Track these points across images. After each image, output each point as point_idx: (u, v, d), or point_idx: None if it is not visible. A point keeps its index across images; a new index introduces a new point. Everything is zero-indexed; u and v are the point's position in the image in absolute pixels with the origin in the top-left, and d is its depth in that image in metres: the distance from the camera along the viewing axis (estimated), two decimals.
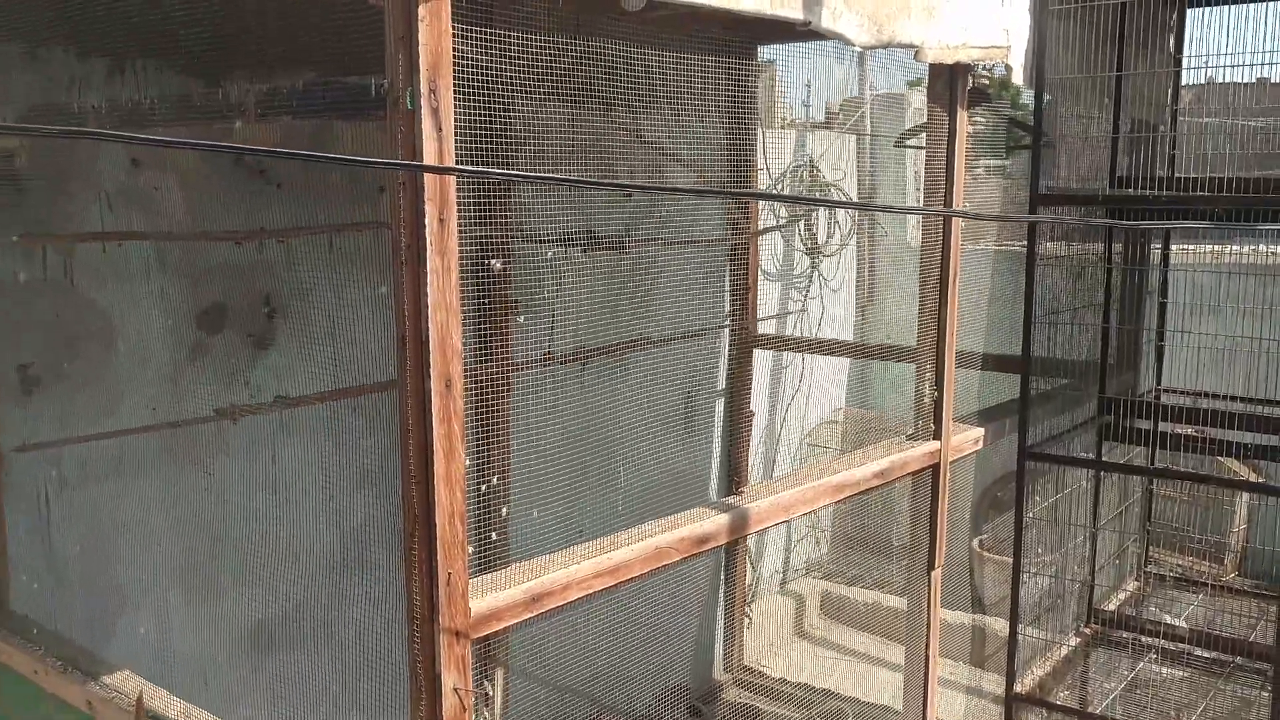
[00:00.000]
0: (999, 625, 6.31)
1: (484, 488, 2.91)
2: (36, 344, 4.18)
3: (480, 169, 2.50)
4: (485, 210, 4.65)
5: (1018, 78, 4.46)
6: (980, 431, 4.73)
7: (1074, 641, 5.35)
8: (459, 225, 2.56)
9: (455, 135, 2.53)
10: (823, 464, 4.19)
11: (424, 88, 2.47)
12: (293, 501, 4.61)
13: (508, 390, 5.34)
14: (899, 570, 7.93)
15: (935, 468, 4.41)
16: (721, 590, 7.01)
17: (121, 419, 4.35)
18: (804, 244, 7.92)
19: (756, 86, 6.54)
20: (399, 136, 2.49)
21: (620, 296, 5.61)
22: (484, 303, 4.98)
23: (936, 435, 4.39)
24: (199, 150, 3.20)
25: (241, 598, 4.45)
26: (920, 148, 9.04)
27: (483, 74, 2.63)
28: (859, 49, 3.63)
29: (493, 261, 2.99)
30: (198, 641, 4.36)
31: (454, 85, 2.52)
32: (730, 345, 6.75)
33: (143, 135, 1.87)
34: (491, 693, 5.82)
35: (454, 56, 2.50)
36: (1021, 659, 5.03)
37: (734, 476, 6.71)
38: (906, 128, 8.11)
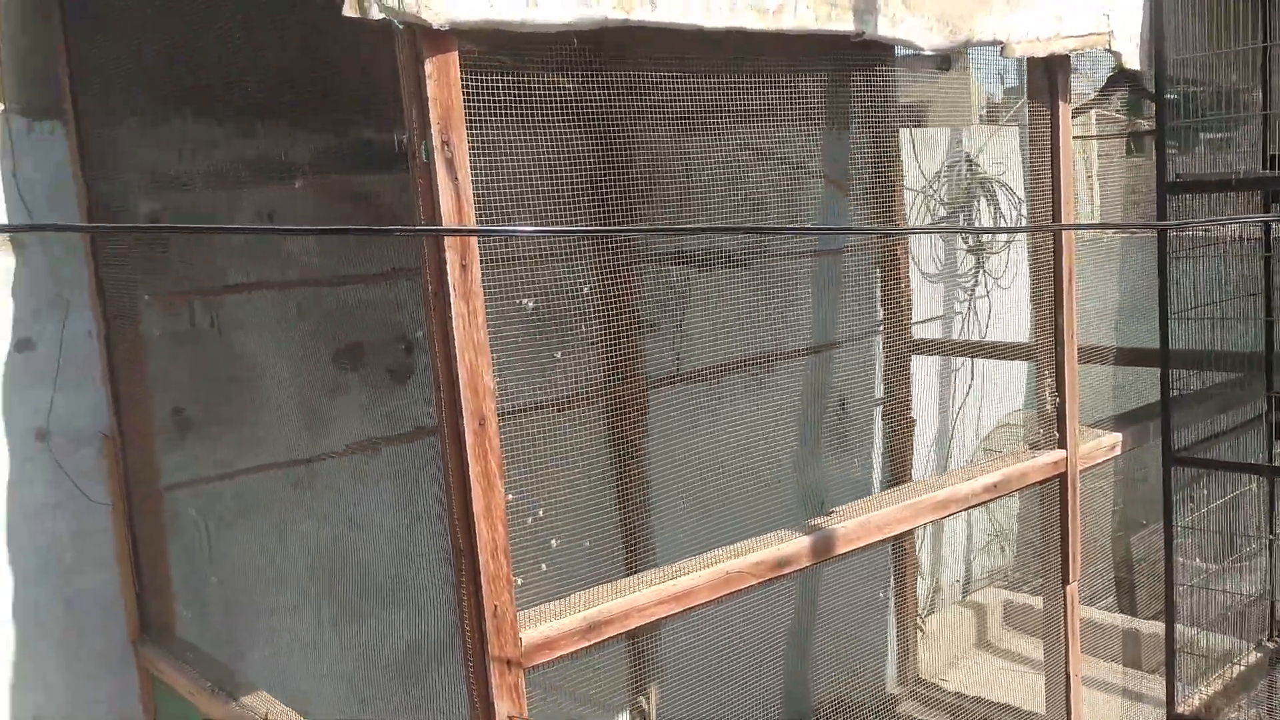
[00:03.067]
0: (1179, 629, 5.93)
1: (530, 520, 2.99)
2: (188, 389, 4.55)
3: (480, 228, 2.58)
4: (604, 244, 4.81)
5: (1131, 62, 4.21)
6: (1117, 437, 4.47)
7: (1253, 658, 4.97)
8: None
9: (475, 180, 2.63)
10: (929, 480, 4.07)
11: (436, 140, 2.58)
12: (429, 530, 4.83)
13: (643, 411, 5.46)
14: (1086, 578, 7.56)
15: (1062, 477, 4.20)
16: (891, 602, 6.87)
17: (267, 456, 4.68)
18: (966, 242, 7.67)
19: (894, 88, 6.39)
20: (418, 190, 2.61)
21: (754, 311, 5.60)
22: (612, 327, 5.13)
23: (1061, 443, 4.18)
24: (232, 233, 3.43)
25: (381, 623, 4.69)
26: (1087, 137, 8.66)
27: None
28: (931, 53, 3.52)
29: (525, 301, 3.06)
30: (339, 664, 4.63)
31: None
32: (885, 352, 6.61)
33: (173, 225, 2.02)
34: (647, 708, 5.92)
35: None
36: (1188, 675, 4.72)
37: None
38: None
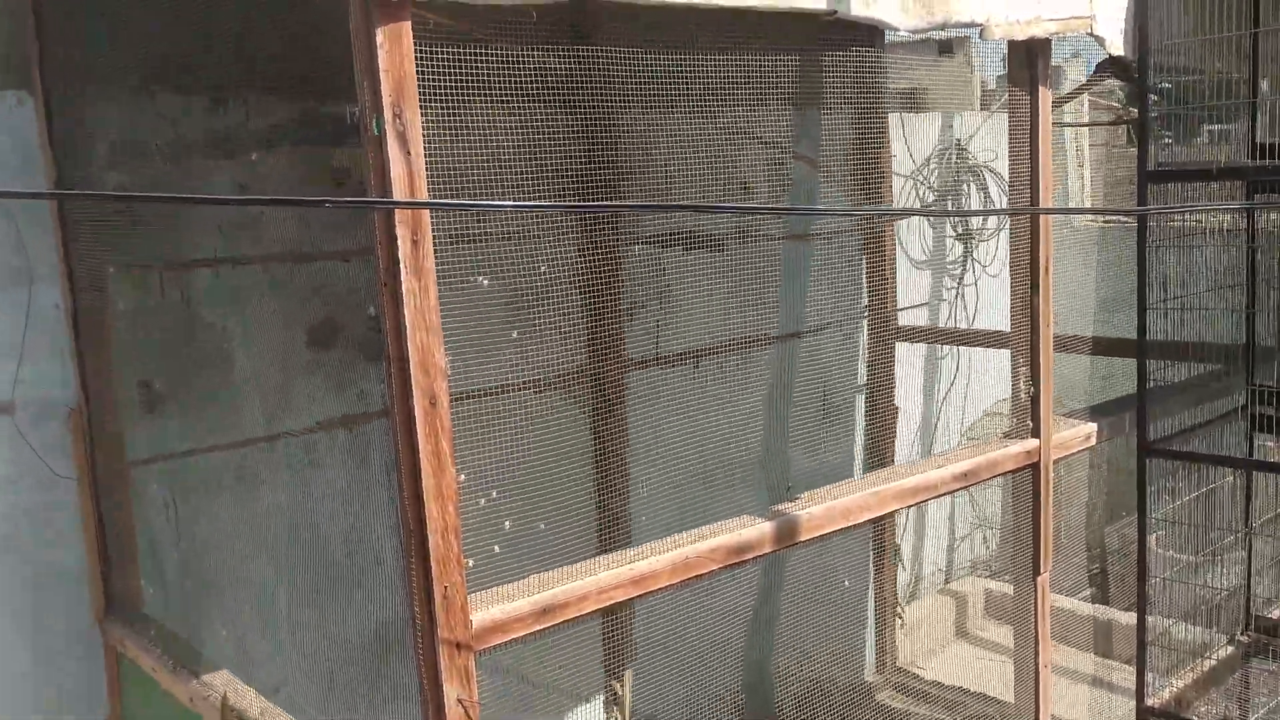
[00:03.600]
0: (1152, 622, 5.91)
1: (483, 501, 2.95)
2: (156, 363, 4.50)
3: (440, 201, 2.53)
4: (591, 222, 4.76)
5: (1115, 48, 4.15)
6: (1092, 427, 4.43)
7: (1226, 651, 4.94)
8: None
9: (426, 155, 2.58)
10: (898, 467, 4.03)
11: (389, 113, 2.52)
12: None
13: (621, 392, 5.41)
14: (1070, 569, 7.54)
15: (1035, 467, 4.16)
16: (871, 590, 6.85)
17: (237, 432, 4.63)
18: (955, 229, 7.61)
19: (883, 72, 6.32)
20: (370, 163, 2.56)
21: (735, 294, 5.55)
22: (594, 308, 5.09)
23: (1035, 433, 4.14)
24: (182, 203, 3.39)
25: (346, 602, 4.65)
26: (1080, 124, 8.60)
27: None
28: (907, 34, 3.47)
29: (480, 279, 3.02)
30: (305, 643, 4.59)
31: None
32: (869, 338, 6.56)
33: (142, 194, 1.98)
34: (621, 693, 5.89)
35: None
36: (1161, 667, 4.69)
37: None
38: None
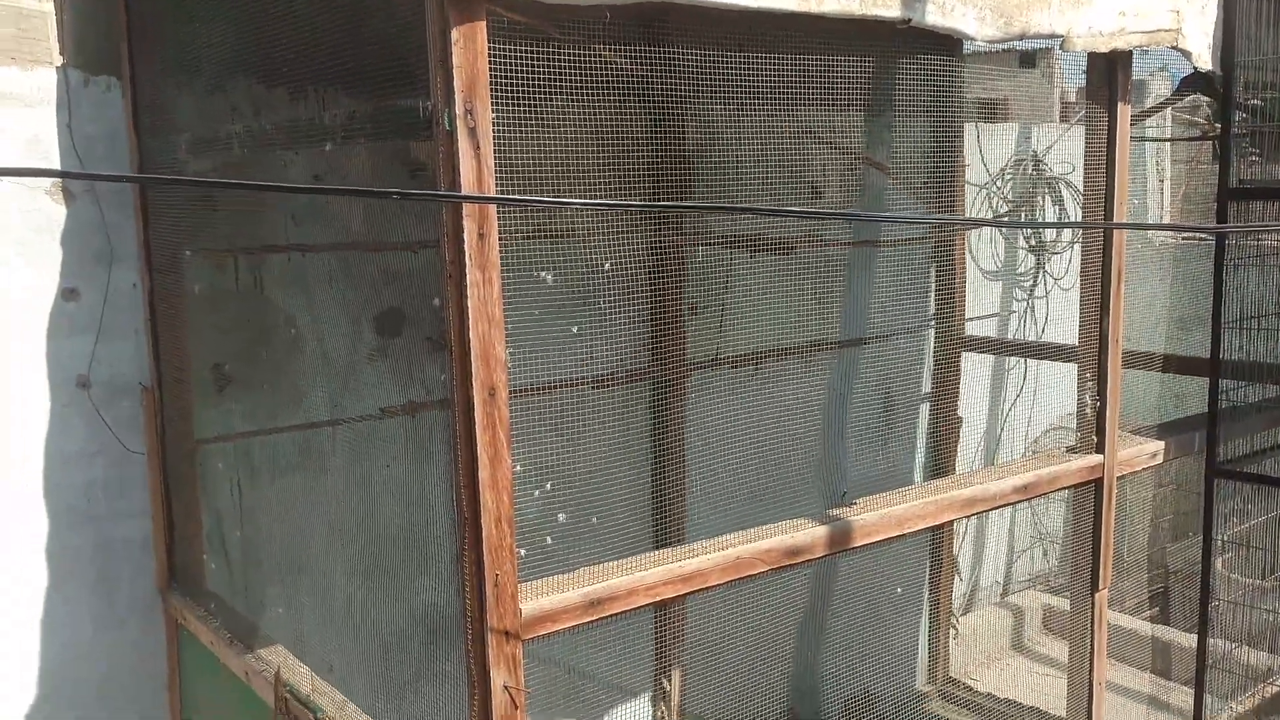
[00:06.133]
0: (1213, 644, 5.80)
1: (536, 493, 2.98)
2: (228, 345, 4.61)
3: (508, 197, 2.56)
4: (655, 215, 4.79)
5: (1202, 61, 4.07)
6: (1159, 445, 4.35)
7: None
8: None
9: (495, 151, 2.62)
10: (957, 476, 4.00)
11: (460, 108, 2.56)
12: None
13: (682, 392, 5.43)
14: (1132, 587, 7.42)
15: (1099, 483, 4.10)
16: (925, 599, 6.79)
17: (304, 415, 4.72)
18: (1027, 241, 7.52)
19: (961, 81, 6.26)
20: (440, 158, 2.61)
21: (801, 298, 5.54)
22: (657, 308, 5.11)
23: (1099, 448, 4.08)
24: (250, 189, 3.47)
25: (405, 588, 4.72)
26: (1161, 140, 8.43)
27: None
28: (984, 45, 3.44)
29: (543, 274, 3.05)
30: (363, 626, 4.67)
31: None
32: (936, 347, 6.51)
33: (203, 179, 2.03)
34: (669, 690, 5.91)
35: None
36: (1221, 691, 4.60)
37: None
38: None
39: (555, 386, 3.82)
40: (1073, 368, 7.64)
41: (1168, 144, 8.29)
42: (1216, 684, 4.64)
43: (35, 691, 4.29)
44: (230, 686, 4.05)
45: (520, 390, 3.02)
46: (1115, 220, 3.98)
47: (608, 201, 2.42)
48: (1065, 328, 7.61)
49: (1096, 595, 4.20)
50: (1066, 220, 7.52)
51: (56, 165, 4.26)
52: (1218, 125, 7.88)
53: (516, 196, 2.51)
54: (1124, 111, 3.92)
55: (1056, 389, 7.73)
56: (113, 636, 4.42)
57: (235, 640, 4.04)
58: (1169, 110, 7.81)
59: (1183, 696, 6.13)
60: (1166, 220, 8.25)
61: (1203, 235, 6.80)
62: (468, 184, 2.59)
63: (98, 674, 4.40)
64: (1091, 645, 4.20)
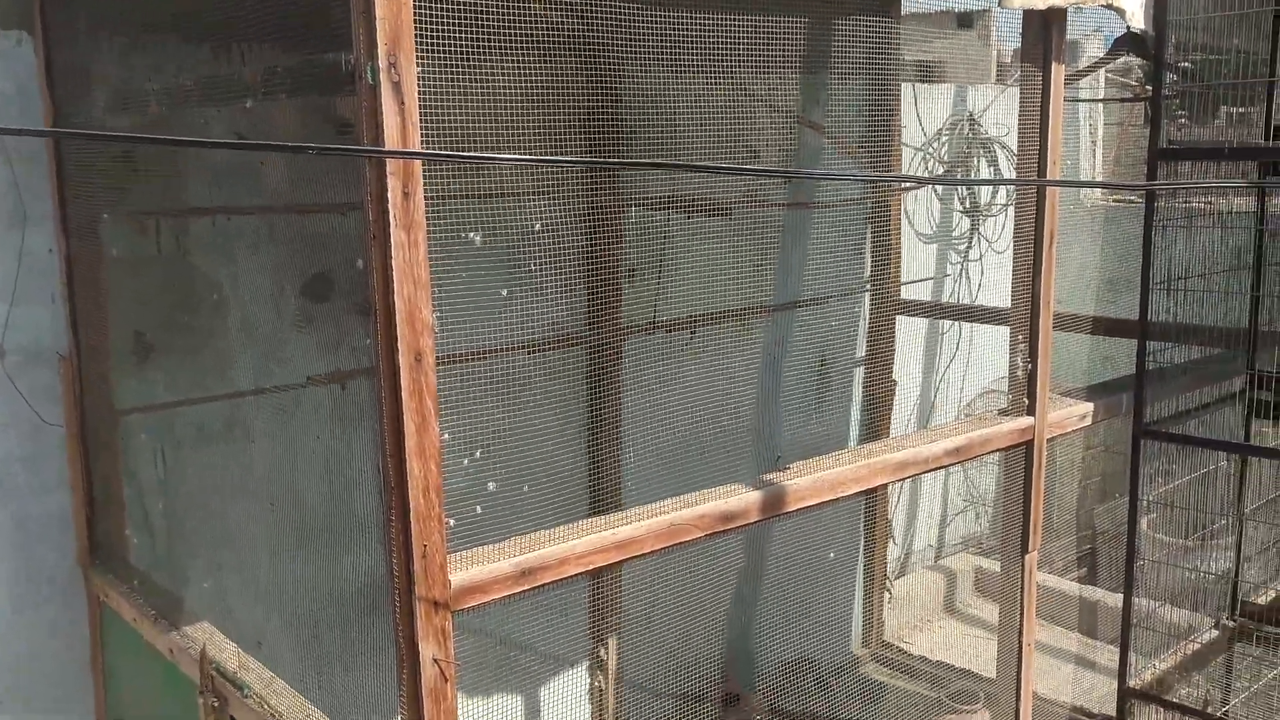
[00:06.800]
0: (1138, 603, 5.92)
1: (466, 461, 2.92)
2: (149, 312, 4.46)
3: (430, 152, 2.48)
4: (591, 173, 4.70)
5: (1135, 20, 4.08)
6: (1088, 407, 4.39)
7: (1211, 635, 4.92)
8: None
9: (420, 108, 2.53)
10: (890, 440, 4.00)
11: (383, 61, 2.47)
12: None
13: (617, 357, 5.38)
14: (1061, 549, 7.53)
15: (1029, 445, 4.13)
16: (860, 564, 6.84)
17: (229, 384, 4.60)
18: (962, 203, 7.54)
19: (898, 42, 6.23)
20: (363, 112, 2.52)
21: (737, 261, 5.50)
22: (591, 270, 5.04)
23: (1030, 410, 4.10)
24: (177, 145, 3.36)
25: (328, 560, 4.63)
26: (1096, 100, 8.49)
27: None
28: (924, 3, 3.40)
29: (471, 235, 2.97)
30: (288, 599, 4.58)
31: None
32: (870, 311, 6.52)
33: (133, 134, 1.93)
34: (605, 658, 5.89)
35: None
36: (1145, 649, 4.68)
37: None
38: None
39: (487, 353, 3.75)
40: (1006, 332, 7.74)
41: (1100, 107, 8.36)
42: (1141, 642, 4.72)
43: None
44: (155, 664, 3.95)
45: (450, 356, 2.95)
46: (1048, 178, 3.98)
47: (536, 157, 2.34)
48: (999, 292, 7.66)
49: (1026, 557, 4.24)
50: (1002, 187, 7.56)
51: None
52: (1149, 87, 7.97)
53: (440, 151, 2.43)
54: (1058, 71, 3.91)
55: (990, 353, 7.80)
56: (32, 615, 4.29)
57: (160, 617, 3.93)
58: (1102, 72, 7.87)
59: (1109, 655, 6.25)
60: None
61: (1133, 198, 6.87)
62: (391, 140, 2.50)
63: (17, 654, 4.26)
64: (1021, 606, 4.24)
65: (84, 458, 4.28)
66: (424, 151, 2.52)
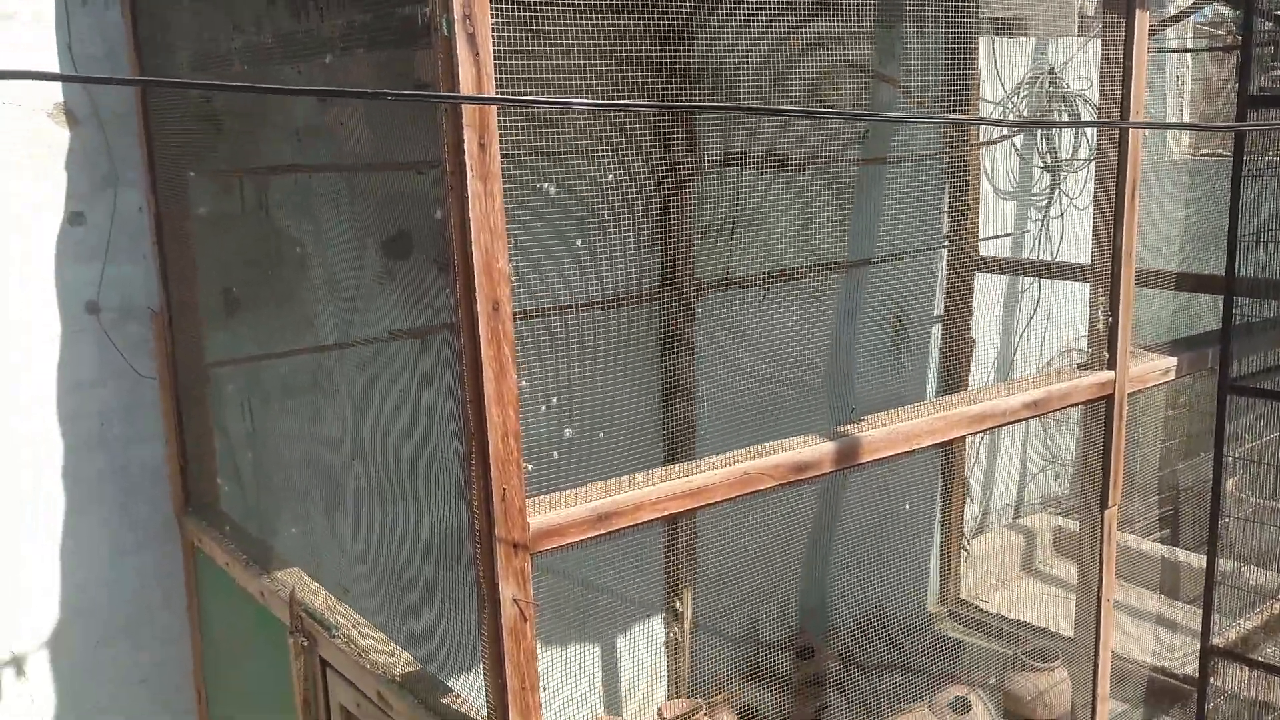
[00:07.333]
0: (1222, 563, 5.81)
1: (543, 408, 2.97)
2: (236, 268, 4.59)
3: (509, 98, 2.52)
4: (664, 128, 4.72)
5: None
6: (1171, 361, 4.32)
7: None
8: None
9: (495, 61, 2.57)
10: (966, 393, 3.98)
11: (459, 13, 2.51)
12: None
13: (690, 313, 5.40)
14: (1143, 509, 7.42)
15: (1109, 399, 4.08)
16: (937, 521, 6.81)
17: (313, 338, 4.72)
18: (1043, 159, 7.41)
19: None
20: (439, 64, 2.56)
21: (812, 218, 5.48)
22: (664, 228, 5.06)
23: (1111, 365, 4.05)
24: (255, 92, 3.42)
25: (416, 508, 4.74)
26: (1183, 51, 8.26)
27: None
28: None
29: (546, 186, 3.01)
30: (375, 546, 4.71)
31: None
32: (948, 267, 6.46)
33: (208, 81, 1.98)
34: (681, 609, 5.97)
35: None
36: (1229, 609, 4.61)
37: None
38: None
39: (562, 308, 3.81)
40: (1087, 290, 7.62)
41: (1188, 61, 8.12)
42: (1224, 602, 4.65)
43: (57, 615, 4.35)
44: (247, 607, 4.10)
45: (526, 311, 3.01)
46: (1132, 134, 3.90)
47: (613, 102, 2.37)
48: (1081, 249, 7.52)
49: (1105, 512, 4.20)
50: (1083, 138, 7.41)
51: (57, 89, 4.22)
52: (1239, 37, 7.73)
53: (516, 97, 2.47)
54: (1142, 19, 3.83)
55: (1070, 311, 7.68)
56: (131, 560, 4.47)
57: (251, 562, 4.07)
58: (1191, 23, 7.65)
59: (1191, 616, 6.17)
60: (1185, 138, 8.12)
61: (1221, 150, 6.68)
62: (467, 91, 2.55)
63: (117, 598, 4.45)
64: (1100, 562, 4.20)
65: (176, 409, 4.43)
66: (499, 97, 2.56)
